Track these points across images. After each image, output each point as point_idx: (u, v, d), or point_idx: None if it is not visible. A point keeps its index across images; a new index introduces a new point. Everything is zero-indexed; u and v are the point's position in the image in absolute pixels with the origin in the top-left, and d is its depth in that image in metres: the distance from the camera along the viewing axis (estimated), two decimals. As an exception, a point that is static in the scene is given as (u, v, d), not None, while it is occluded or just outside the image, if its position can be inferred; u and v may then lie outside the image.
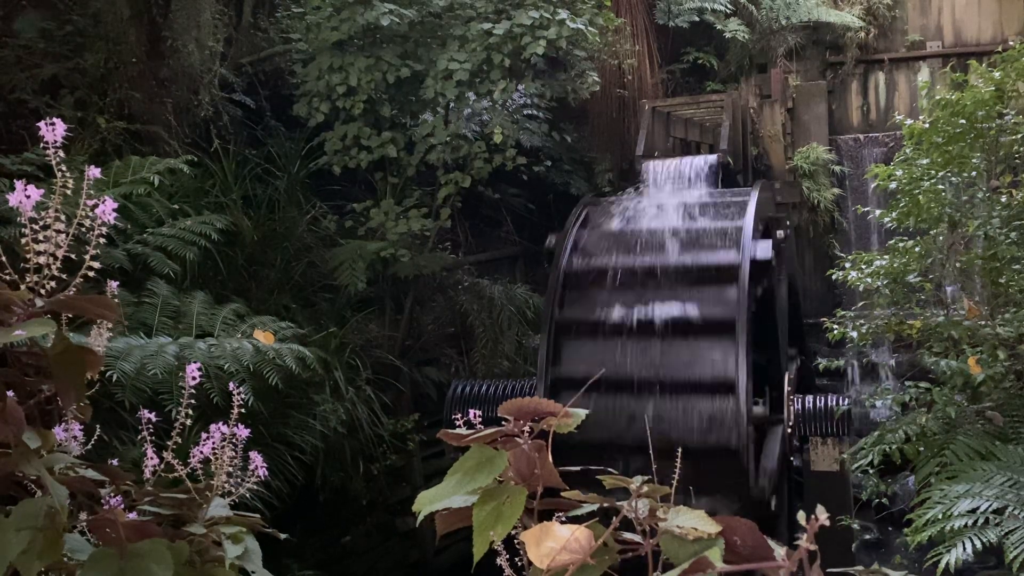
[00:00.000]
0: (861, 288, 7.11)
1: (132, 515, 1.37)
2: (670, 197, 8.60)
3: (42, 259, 1.31)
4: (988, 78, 6.56)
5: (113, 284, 1.54)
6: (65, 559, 1.26)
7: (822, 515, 0.98)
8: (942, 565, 4.37)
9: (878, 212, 7.44)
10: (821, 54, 13.62)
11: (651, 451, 6.37)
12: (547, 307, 7.61)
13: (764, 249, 7.14)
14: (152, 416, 1.59)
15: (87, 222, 1.36)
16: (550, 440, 1.22)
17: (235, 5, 9.74)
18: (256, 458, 1.56)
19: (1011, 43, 7.10)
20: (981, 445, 5.48)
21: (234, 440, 1.54)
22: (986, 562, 6.42)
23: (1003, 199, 6.49)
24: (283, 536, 1.60)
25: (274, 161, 8.91)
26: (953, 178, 6.74)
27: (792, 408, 7.25)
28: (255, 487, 1.56)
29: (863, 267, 7.00)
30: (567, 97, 10.21)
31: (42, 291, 1.31)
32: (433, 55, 8.57)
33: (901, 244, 6.96)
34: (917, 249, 6.82)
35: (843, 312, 7.47)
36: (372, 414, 8.15)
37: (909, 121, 7.01)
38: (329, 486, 7.83)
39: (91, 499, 1.41)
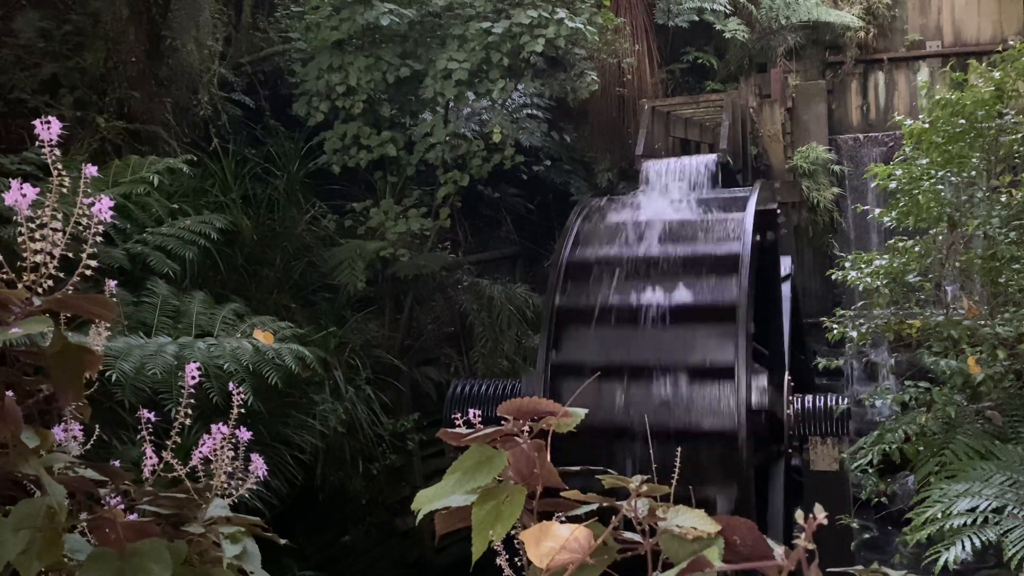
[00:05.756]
0: (861, 288, 7.11)
1: (132, 515, 1.37)
2: (669, 197, 8.61)
3: (39, 258, 1.31)
4: (988, 78, 6.56)
5: (111, 283, 1.54)
6: (65, 559, 1.26)
7: (820, 514, 0.98)
8: (940, 563, 4.37)
9: (877, 212, 7.43)
10: (821, 54, 13.63)
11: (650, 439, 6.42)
12: (548, 299, 7.62)
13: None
14: (151, 416, 1.59)
15: (84, 221, 1.35)
16: (549, 439, 1.22)
17: (235, 5, 9.74)
18: (256, 460, 1.56)
19: (1011, 43, 7.10)
20: (980, 445, 5.47)
21: (234, 441, 1.54)
22: (985, 561, 6.42)
23: (1003, 199, 6.49)
24: (283, 541, 1.60)
25: (273, 161, 8.91)
26: (953, 178, 6.74)
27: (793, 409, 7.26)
28: (255, 487, 1.56)
29: (862, 267, 6.99)
30: (566, 97, 10.21)
31: (39, 290, 1.31)
32: (432, 54, 8.57)
33: (901, 244, 6.95)
34: (917, 249, 6.81)
35: (843, 312, 7.47)
36: (372, 414, 8.15)
37: (909, 121, 7.00)
38: (329, 486, 7.83)
39: (91, 499, 1.41)
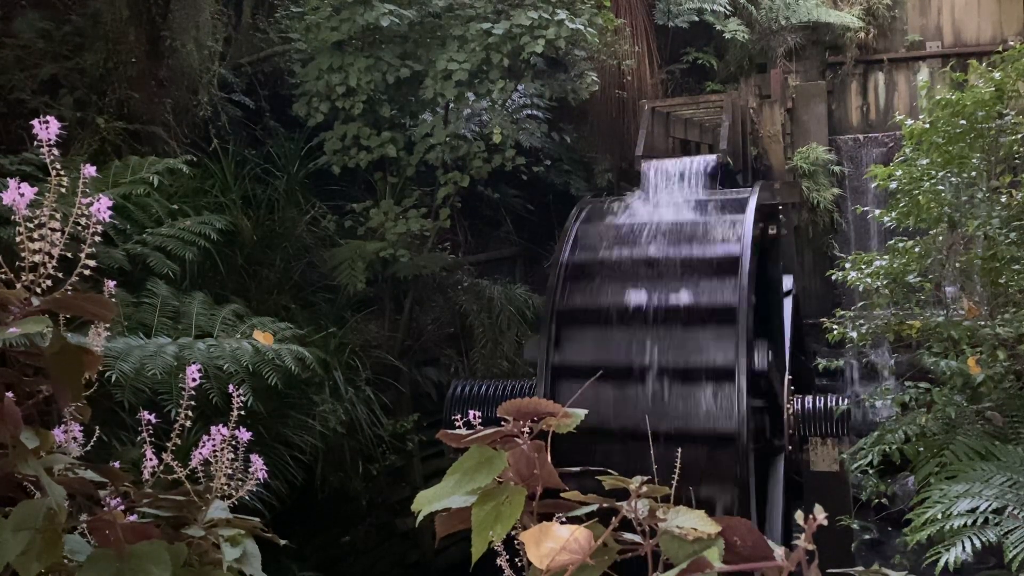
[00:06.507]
0: (861, 288, 7.11)
1: (132, 517, 1.37)
2: (669, 197, 8.60)
3: (37, 258, 1.30)
4: (988, 78, 6.56)
5: (111, 283, 1.54)
6: (65, 560, 1.26)
7: (820, 515, 0.98)
8: (940, 563, 4.36)
9: (878, 212, 7.43)
10: (821, 54, 13.63)
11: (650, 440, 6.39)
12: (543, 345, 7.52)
13: (761, 359, 6.90)
14: (151, 417, 1.59)
15: (83, 221, 1.35)
16: (549, 439, 1.21)
17: (234, 5, 9.74)
18: (257, 462, 1.56)
19: (1011, 43, 7.10)
20: (981, 445, 5.47)
21: (234, 442, 1.54)
22: (985, 562, 6.42)
23: (1003, 199, 6.49)
24: (283, 542, 1.60)
25: (273, 161, 8.91)
26: (953, 178, 6.74)
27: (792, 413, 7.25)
28: (255, 488, 1.56)
29: (863, 267, 6.99)
30: (567, 97, 10.21)
31: (38, 290, 1.31)
32: (432, 55, 8.57)
33: (901, 244, 6.95)
34: (917, 249, 6.82)
35: (843, 312, 7.47)
36: (372, 414, 8.14)
37: (909, 121, 7.00)
38: (329, 486, 7.83)
39: (90, 500, 1.40)
